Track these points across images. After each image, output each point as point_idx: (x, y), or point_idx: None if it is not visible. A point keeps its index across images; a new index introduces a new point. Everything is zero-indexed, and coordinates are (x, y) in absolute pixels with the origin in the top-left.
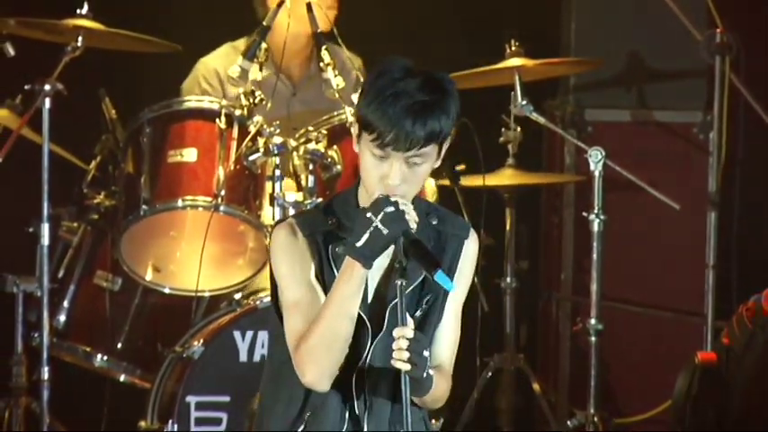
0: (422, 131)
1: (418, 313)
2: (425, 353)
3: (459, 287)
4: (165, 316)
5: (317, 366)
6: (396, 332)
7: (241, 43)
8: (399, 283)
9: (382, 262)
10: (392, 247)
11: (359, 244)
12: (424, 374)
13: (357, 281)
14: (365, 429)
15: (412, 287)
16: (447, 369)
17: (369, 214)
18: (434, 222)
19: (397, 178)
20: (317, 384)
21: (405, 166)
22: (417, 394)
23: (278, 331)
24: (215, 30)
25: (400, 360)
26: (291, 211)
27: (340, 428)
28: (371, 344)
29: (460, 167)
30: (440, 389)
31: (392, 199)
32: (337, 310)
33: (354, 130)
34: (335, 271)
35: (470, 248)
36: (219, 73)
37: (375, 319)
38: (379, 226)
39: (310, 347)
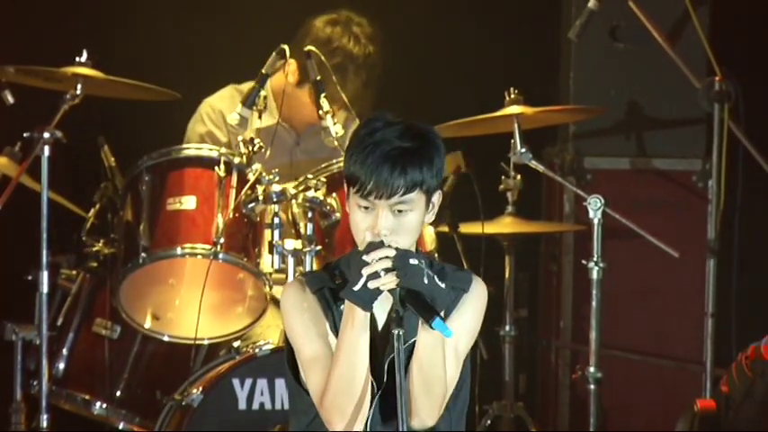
0: (401, 178)
1: None
2: (412, 260)
3: (459, 333)
4: (164, 364)
5: (343, 414)
6: (371, 256)
7: (245, 87)
8: (396, 332)
9: (378, 317)
10: (388, 304)
11: (356, 288)
12: (426, 280)
13: (360, 324)
14: None
15: (409, 342)
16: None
17: (365, 257)
18: None
19: (384, 227)
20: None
21: (391, 215)
22: (433, 305)
23: (294, 398)
24: (215, 78)
25: (389, 282)
26: (291, 259)
27: None
28: (374, 400)
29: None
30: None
31: (387, 243)
32: (347, 357)
33: (346, 188)
34: None
35: (472, 297)
36: (225, 114)
37: (376, 376)
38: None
39: (332, 397)
